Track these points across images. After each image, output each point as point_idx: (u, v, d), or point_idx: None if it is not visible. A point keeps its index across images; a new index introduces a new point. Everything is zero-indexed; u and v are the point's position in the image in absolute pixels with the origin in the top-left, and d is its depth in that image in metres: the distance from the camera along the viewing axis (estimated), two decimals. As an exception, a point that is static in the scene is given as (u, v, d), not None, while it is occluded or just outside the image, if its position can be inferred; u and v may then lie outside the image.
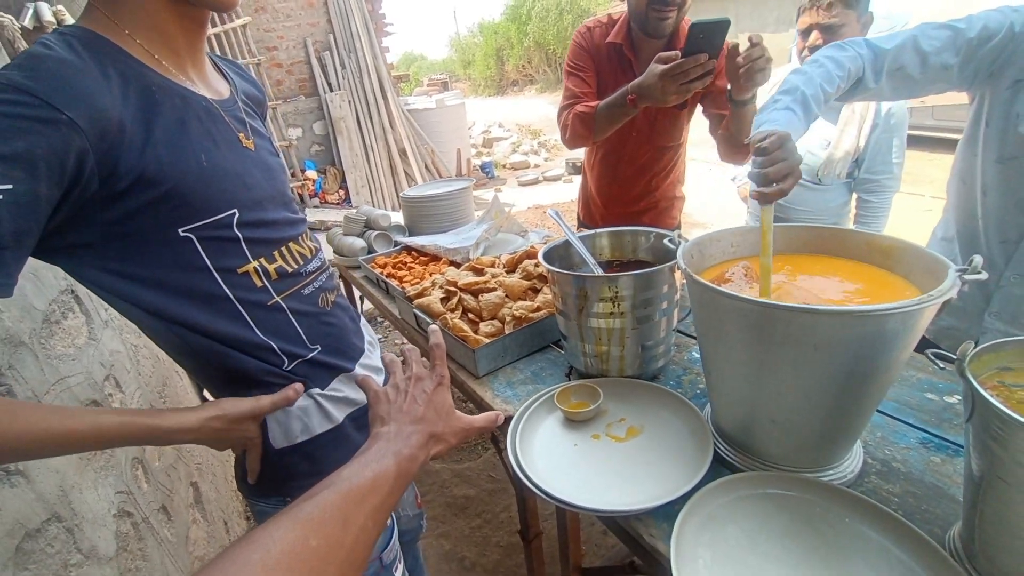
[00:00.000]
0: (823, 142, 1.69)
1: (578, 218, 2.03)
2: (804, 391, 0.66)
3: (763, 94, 1.38)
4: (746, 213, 2.12)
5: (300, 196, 6.34)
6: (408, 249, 1.94)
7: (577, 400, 0.93)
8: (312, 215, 5.89)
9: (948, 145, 5.76)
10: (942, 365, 0.54)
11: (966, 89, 1.03)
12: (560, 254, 1.13)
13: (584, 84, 1.55)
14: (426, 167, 6.63)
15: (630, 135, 1.61)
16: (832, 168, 1.69)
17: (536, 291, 1.33)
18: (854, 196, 1.79)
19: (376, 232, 2.04)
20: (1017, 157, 0.99)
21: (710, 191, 5.81)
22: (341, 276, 2.06)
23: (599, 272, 1.03)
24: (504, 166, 8.98)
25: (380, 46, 6.45)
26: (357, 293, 2.04)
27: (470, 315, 1.28)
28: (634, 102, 1.29)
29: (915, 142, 1.55)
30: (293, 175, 6.35)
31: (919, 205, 4.55)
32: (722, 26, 1.10)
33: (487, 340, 1.14)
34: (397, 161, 6.44)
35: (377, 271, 1.73)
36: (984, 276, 0.58)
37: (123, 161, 0.58)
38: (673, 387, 1.02)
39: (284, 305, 0.77)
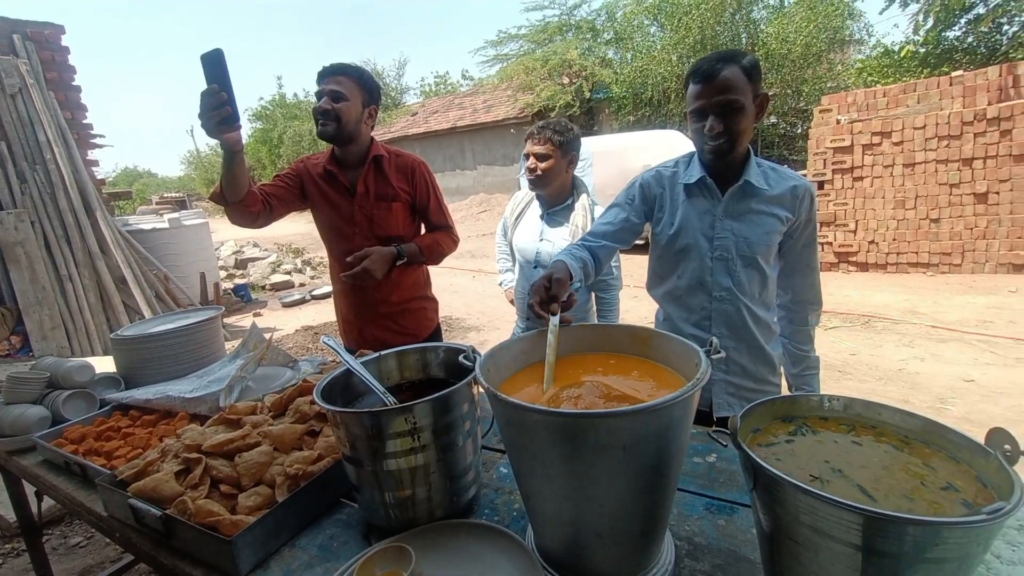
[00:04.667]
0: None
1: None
2: (622, 498, 0.64)
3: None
4: (515, 316, 2.30)
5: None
6: (124, 409, 1.44)
7: (384, 572, 0.74)
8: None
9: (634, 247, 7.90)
10: (724, 443, 0.59)
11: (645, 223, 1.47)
12: (341, 386, 0.96)
13: (278, 183, 1.76)
14: (157, 297, 5.46)
15: (353, 233, 1.77)
16: None
17: (315, 434, 1.10)
18: (592, 295, 2.13)
19: (68, 392, 1.47)
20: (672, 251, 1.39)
21: (476, 295, 6.31)
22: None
23: (391, 402, 0.90)
24: (264, 288, 8.12)
25: (84, 159, 5.35)
26: (30, 491, 1.38)
27: (223, 487, 0.96)
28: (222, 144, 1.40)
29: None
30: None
31: (628, 293, 5.82)
32: (215, 54, 1.26)
33: (250, 519, 0.86)
34: (113, 293, 5.14)
35: (66, 450, 1.21)
36: (723, 355, 0.69)
37: None
38: (489, 516, 0.92)
39: None
